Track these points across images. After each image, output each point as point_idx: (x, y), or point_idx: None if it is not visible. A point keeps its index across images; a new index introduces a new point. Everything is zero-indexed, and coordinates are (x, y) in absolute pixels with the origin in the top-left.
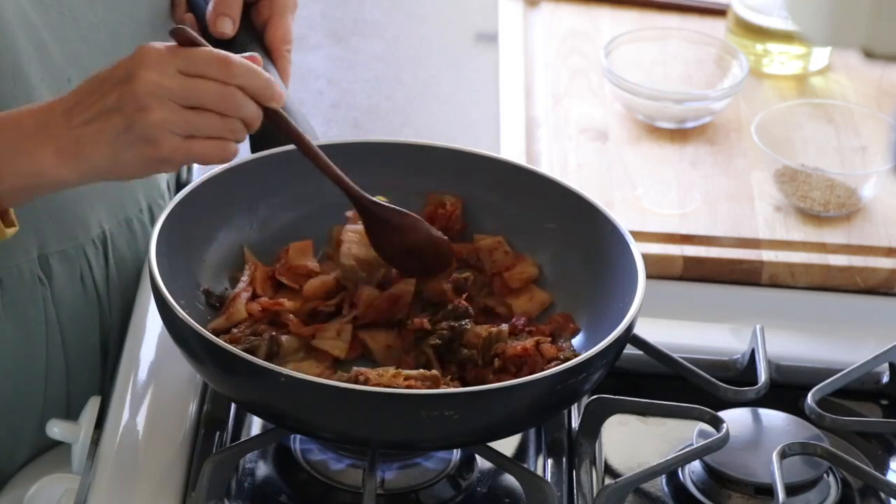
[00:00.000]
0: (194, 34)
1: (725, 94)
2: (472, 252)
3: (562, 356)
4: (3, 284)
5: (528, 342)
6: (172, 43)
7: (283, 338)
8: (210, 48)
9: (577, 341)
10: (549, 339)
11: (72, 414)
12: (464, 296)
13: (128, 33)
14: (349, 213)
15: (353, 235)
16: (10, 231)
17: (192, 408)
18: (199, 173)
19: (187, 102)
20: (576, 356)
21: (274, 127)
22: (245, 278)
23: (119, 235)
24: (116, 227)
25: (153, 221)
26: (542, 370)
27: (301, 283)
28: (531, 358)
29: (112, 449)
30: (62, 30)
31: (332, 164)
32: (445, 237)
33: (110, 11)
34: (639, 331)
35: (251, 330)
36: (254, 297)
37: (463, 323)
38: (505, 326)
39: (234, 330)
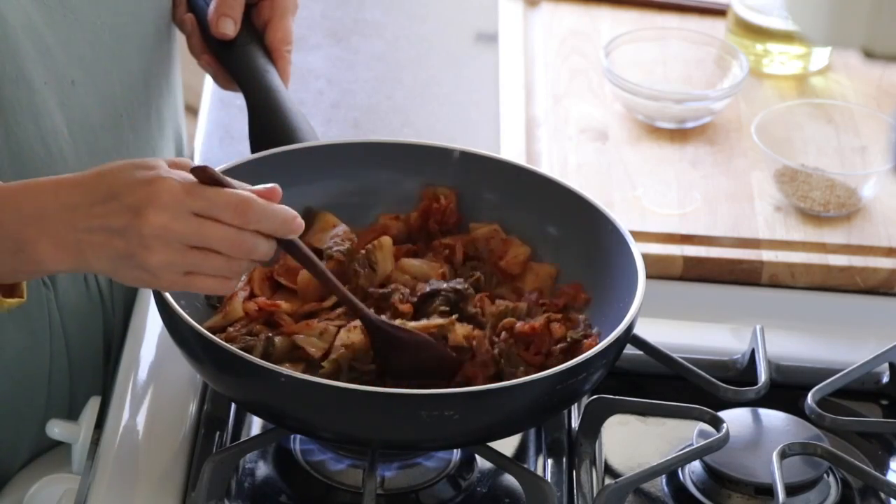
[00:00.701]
0: (217, 173)
1: (725, 94)
2: (470, 243)
3: (570, 337)
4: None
5: (539, 320)
6: (191, 180)
7: (277, 339)
8: (229, 191)
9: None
10: (560, 315)
11: (74, 415)
12: (478, 296)
13: (132, 34)
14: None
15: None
16: (14, 301)
17: (192, 408)
18: None
19: (194, 244)
20: (584, 335)
21: (289, 253)
22: (243, 277)
23: None
24: None
25: None
26: (550, 350)
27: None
28: (539, 336)
29: (112, 449)
30: (66, 32)
31: (341, 287)
32: (454, 355)
33: (114, 13)
34: (639, 331)
35: (247, 329)
36: (251, 296)
37: (466, 287)
38: (523, 305)
39: (230, 329)
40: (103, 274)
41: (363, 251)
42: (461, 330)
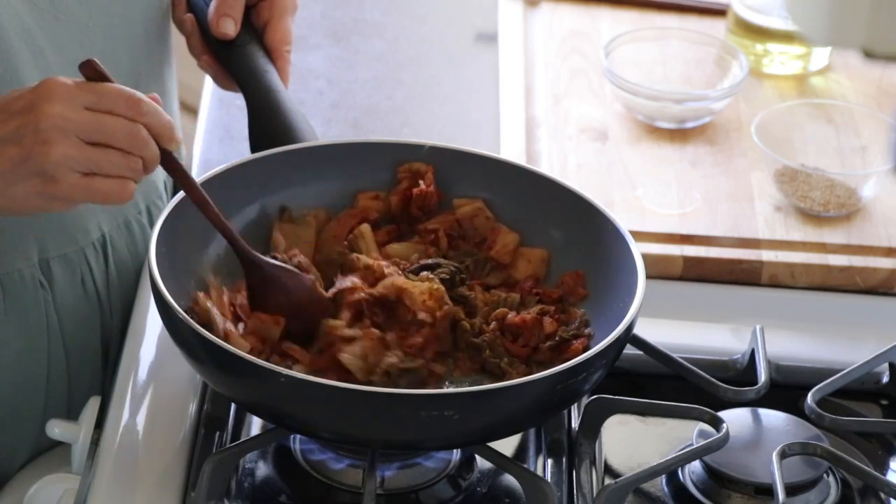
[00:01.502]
0: (104, 69)
1: (725, 94)
2: (454, 223)
3: (559, 336)
4: (5, 289)
5: (531, 313)
6: (80, 79)
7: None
8: (120, 86)
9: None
10: (554, 308)
11: (72, 416)
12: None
13: (122, 35)
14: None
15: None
16: None
17: (192, 408)
18: (200, 173)
19: (91, 138)
20: (573, 336)
21: (167, 169)
22: (215, 311)
23: (118, 238)
24: (115, 229)
25: (152, 223)
26: (537, 345)
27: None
28: (529, 329)
29: (112, 449)
30: (58, 33)
31: (220, 215)
32: (326, 295)
33: (104, 14)
34: (639, 331)
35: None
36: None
37: (459, 268)
38: (516, 295)
39: None
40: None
41: (345, 241)
42: (418, 289)
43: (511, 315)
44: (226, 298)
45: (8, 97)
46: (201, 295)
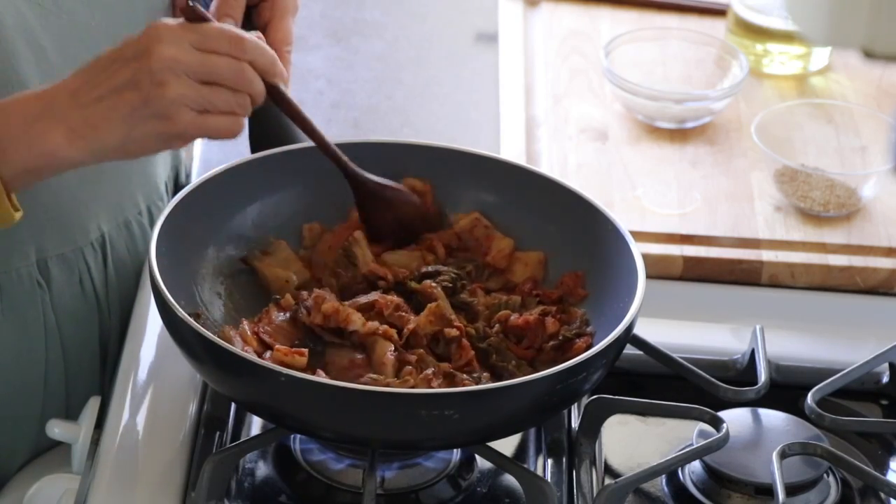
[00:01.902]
0: (204, 11)
1: (725, 94)
2: (454, 237)
3: (562, 335)
4: (2, 288)
5: (533, 314)
6: (182, 20)
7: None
8: (222, 25)
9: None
10: (555, 308)
11: (71, 416)
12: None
13: (124, 35)
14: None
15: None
16: (18, 215)
17: (192, 408)
18: (200, 172)
19: (202, 77)
20: (576, 335)
21: (276, 103)
22: (238, 339)
23: (118, 238)
24: (115, 229)
25: (152, 223)
26: (541, 346)
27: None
28: (532, 330)
29: (112, 449)
30: (60, 34)
31: (327, 141)
32: (432, 207)
33: (107, 15)
34: (639, 331)
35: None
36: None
37: (462, 276)
38: (517, 298)
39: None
40: (119, 147)
41: (341, 249)
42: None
43: (514, 317)
44: (247, 328)
45: (118, 46)
46: (227, 328)
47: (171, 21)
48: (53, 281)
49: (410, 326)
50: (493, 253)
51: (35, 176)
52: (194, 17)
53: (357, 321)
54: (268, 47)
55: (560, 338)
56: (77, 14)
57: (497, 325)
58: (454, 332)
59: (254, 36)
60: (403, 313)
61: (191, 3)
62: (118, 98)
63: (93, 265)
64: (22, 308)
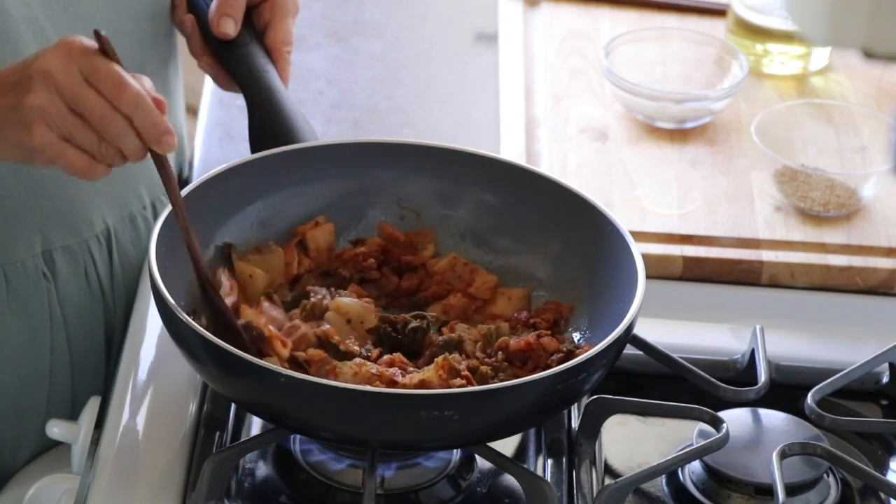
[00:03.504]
0: (111, 47)
1: (725, 94)
2: (441, 285)
3: (563, 348)
4: (8, 280)
5: (531, 336)
6: (92, 44)
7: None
8: (116, 68)
9: (576, 341)
10: (549, 331)
11: (76, 411)
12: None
13: (129, 30)
14: None
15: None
16: None
17: (192, 408)
18: (200, 172)
19: (69, 104)
20: (575, 347)
21: (156, 166)
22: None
23: (123, 231)
24: (120, 222)
25: (156, 217)
26: (547, 363)
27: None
28: (535, 351)
29: (112, 449)
30: (66, 26)
31: (191, 233)
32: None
33: (112, 8)
34: (639, 331)
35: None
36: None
37: (425, 322)
38: (504, 324)
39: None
40: None
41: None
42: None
43: (514, 342)
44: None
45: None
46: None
47: (83, 41)
48: (59, 273)
49: (416, 382)
50: (476, 285)
51: None
52: (101, 47)
53: (347, 373)
54: (155, 112)
55: (564, 351)
56: (82, 7)
57: (500, 353)
58: (461, 382)
59: (147, 94)
60: (401, 372)
61: (102, 33)
62: (2, 96)
63: (98, 258)
64: (27, 299)
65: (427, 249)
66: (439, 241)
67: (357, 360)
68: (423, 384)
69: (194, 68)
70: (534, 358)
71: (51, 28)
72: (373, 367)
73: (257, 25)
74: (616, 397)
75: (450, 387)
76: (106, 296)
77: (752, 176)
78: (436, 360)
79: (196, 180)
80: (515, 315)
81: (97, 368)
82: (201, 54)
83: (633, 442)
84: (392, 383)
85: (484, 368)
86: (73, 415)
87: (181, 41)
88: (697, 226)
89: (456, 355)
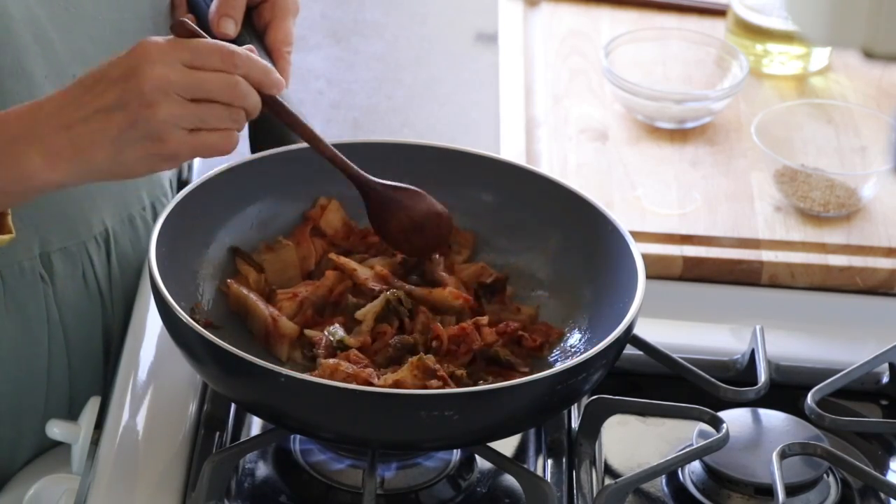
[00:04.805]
0: (195, 26)
1: (725, 94)
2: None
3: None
4: (5, 281)
5: (467, 322)
6: (171, 37)
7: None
8: (212, 40)
9: (576, 341)
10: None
11: (74, 412)
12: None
13: (131, 30)
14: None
15: None
16: (5, 238)
17: (192, 408)
18: (200, 172)
19: (193, 95)
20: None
21: (273, 115)
22: (254, 296)
23: (122, 233)
24: (119, 224)
25: (156, 219)
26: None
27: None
28: (468, 335)
29: (112, 449)
30: (67, 26)
31: (331, 147)
32: (445, 210)
33: (113, 8)
34: (639, 331)
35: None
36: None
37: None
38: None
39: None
40: (106, 170)
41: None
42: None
43: (513, 325)
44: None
45: (103, 66)
46: (231, 282)
47: (159, 38)
48: (56, 275)
49: (389, 383)
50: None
51: (15, 198)
52: (184, 33)
53: (326, 370)
54: (259, 59)
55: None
56: (83, 7)
57: (434, 342)
58: (437, 384)
59: (245, 49)
60: (376, 374)
61: (181, 19)
62: (106, 119)
63: (96, 260)
64: (25, 302)
65: (462, 254)
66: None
67: (332, 360)
68: (397, 384)
69: None
70: (466, 342)
71: (52, 29)
72: (349, 368)
73: (257, 25)
74: (616, 397)
75: (426, 387)
76: (104, 298)
77: (752, 176)
78: (410, 360)
79: (196, 180)
80: (504, 325)
81: (95, 370)
82: None
83: (633, 442)
84: (367, 384)
85: (459, 372)
86: (71, 416)
87: None
88: (697, 226)
89: (431, 356)
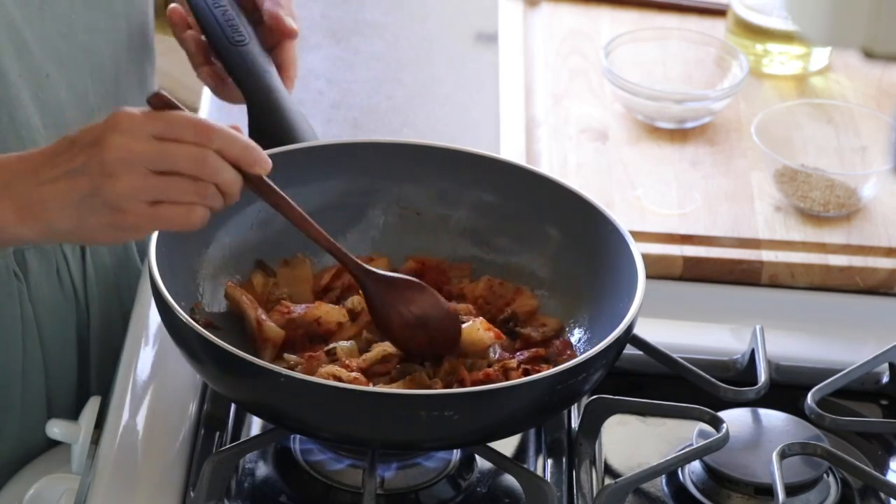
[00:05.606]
0: (171, 99)
1: (725, 94)
2: (480, 308)
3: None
4: None
5: (495, 368)
6: (146, 108)
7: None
8: (189, 113)
9: (576, 341)
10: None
11: (52, 411)
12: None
13: (104, 29)
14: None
15: None
16: None
17: (192, 408)
18: None
19: (157, 167)
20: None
21: (258, 195)
22: (246, 299)
23: None
24: None
25: None
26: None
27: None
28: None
29: (112, 449)
30: (42, 26)
31: (326, 235)
32: (452, 309)
33: (87, 7)
34: (639, 331)
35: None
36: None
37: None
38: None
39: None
40: (68, 232)
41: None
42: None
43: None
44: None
45: (83, 128)
46: (229, 283)
47: (134, 109)
48: (31, 273)
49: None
50: (516, 305)
51: None
52: (159, 105)
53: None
54: (242, 137)
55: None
56: (57, 5)
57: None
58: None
59: (231, 126)
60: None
61: (158, 91)
62: (71, 183)
63: (70, 258)
64: None
65: (462, 283)
66: (439, 240)
67: (332, 367)
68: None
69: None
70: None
71: (27, 29)
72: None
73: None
74: (616, 397)
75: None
76: (78, 296)
77: (752, 176)
78: (408, 377)
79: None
80: (518, 355)
81: (70, 368)
82: (201, 65)
83: (633, 442)
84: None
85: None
86: (49, 414)
87: (167, 45)
88: (697, 226)
89: (425, 374)
